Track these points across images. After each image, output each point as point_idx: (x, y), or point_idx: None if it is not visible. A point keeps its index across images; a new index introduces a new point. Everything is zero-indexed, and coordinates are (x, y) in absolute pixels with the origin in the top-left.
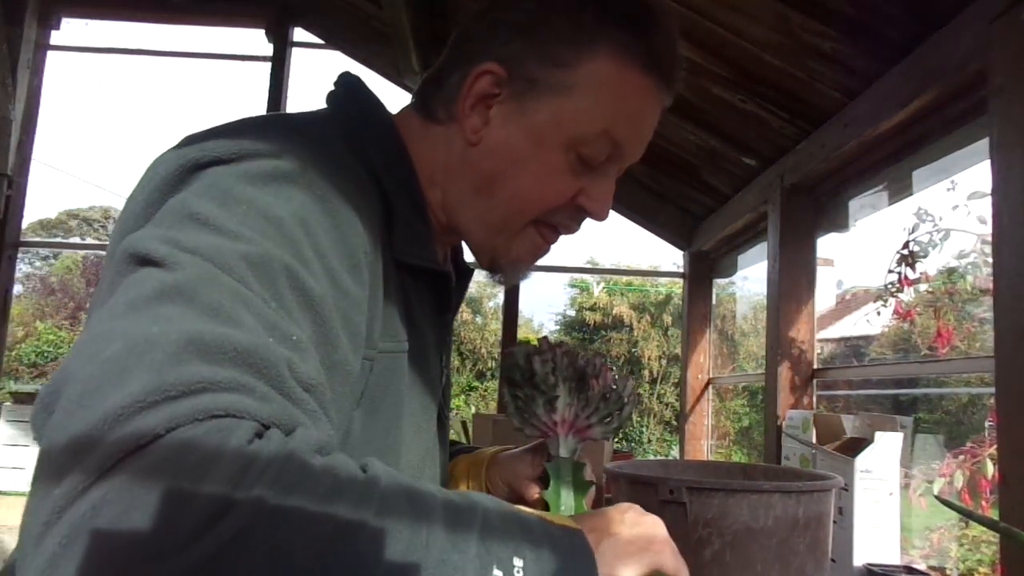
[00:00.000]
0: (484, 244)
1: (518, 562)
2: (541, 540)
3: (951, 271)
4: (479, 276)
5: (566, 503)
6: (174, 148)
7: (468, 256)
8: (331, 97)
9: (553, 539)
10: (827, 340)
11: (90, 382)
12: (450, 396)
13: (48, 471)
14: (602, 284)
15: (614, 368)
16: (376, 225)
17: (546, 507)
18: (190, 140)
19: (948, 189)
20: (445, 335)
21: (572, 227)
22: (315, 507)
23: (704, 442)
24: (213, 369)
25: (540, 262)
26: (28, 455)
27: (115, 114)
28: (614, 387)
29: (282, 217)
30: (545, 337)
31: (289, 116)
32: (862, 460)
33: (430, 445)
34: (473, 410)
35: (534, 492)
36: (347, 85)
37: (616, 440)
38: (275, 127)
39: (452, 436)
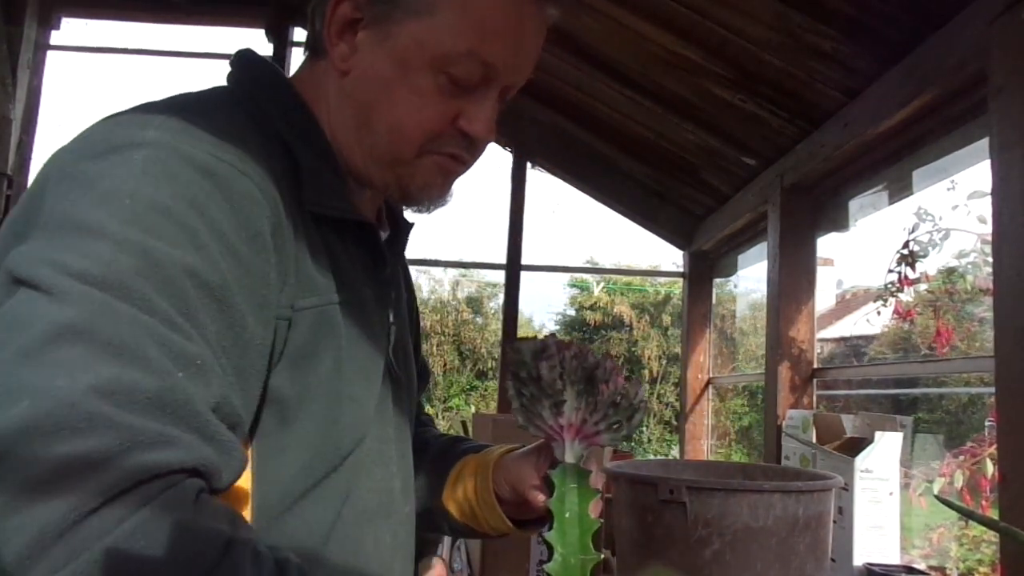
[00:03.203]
0: (386, 179)
1: None
2: None
3: (951, 271)
4: (485, 276)
5: (571, 510)
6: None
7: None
8: (229, 75)
9: None
10: (827, 340)
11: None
12: (409, 356)
13: None
14: (602, 284)
15: (624, 372)
16: (281, 184)
17: (551, 515)
18: (73, 142)
19: (948, 189)
20: (387, 290)
21: (465, 156)
22: None
23: (704, 442)
24: (131, 420)
25: (540, 262)
26: None
27: None
28: (624, 392)
29: (170, 205)
30: (552, 334)
31: (175, 99)
32: (862, 460)
33: (383, 396)
34: (473, 409)
35: (539, 499)
36: (240, 59)
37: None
38: (154, 110)
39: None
